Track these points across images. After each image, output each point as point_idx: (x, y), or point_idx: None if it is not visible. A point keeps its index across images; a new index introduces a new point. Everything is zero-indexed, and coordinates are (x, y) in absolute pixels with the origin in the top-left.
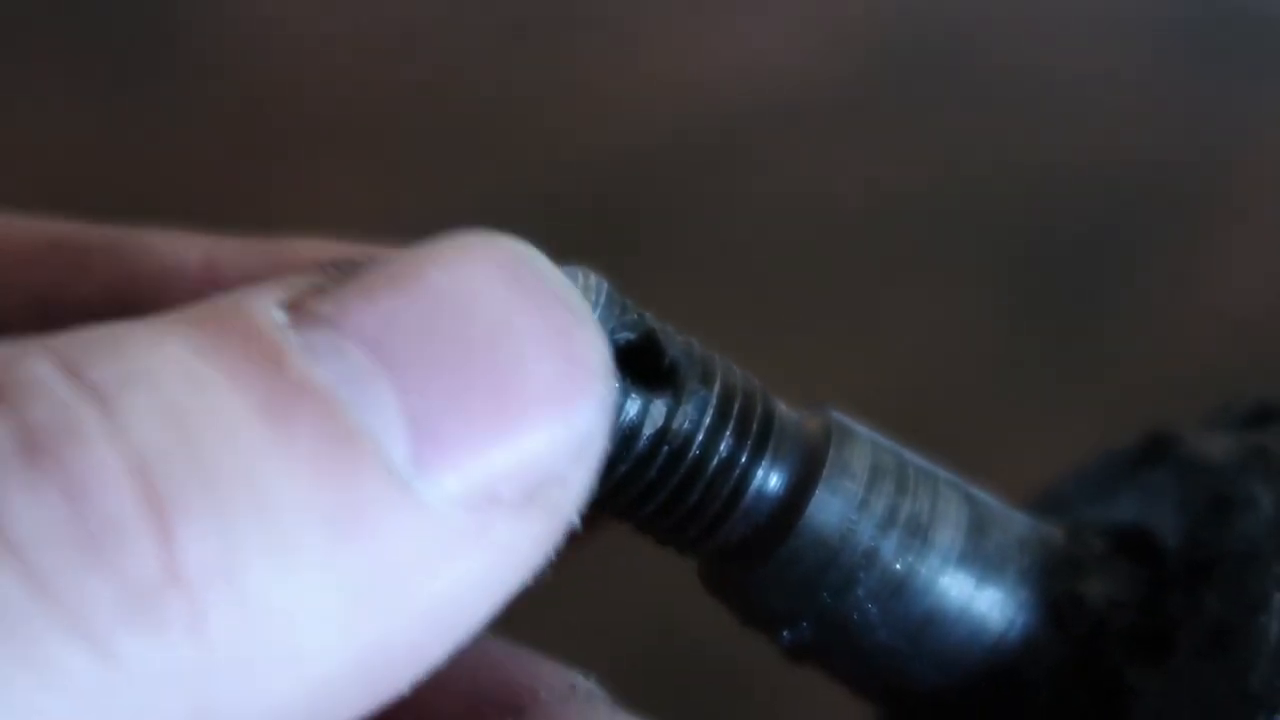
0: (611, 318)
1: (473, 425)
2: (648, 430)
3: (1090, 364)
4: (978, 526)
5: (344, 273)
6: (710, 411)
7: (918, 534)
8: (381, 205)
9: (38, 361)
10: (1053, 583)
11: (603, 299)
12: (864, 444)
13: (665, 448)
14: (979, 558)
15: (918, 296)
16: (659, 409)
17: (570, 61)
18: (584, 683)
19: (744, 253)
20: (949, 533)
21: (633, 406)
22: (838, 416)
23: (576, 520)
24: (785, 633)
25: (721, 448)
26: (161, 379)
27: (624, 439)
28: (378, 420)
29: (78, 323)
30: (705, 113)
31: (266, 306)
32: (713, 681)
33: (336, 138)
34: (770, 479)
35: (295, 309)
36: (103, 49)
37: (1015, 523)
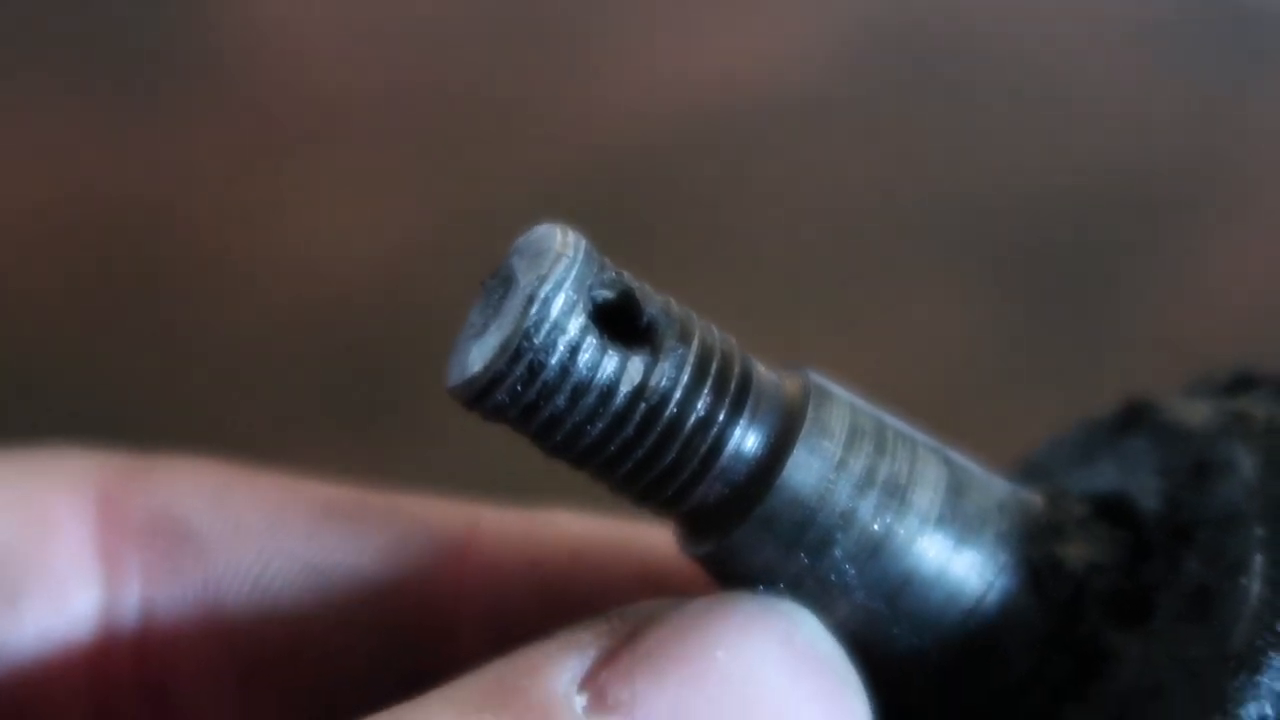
0: (590, 274)
1: None
2: (624, 387)
3: (1090, 363)
4: (956, 489)
5: (629, 631)
6: (688, 369)
7: (896, 495)
8: (382, 206)
9: None
10: (1032, 547)
11: (580, 256)
12: (842, 405)
13: (642, 404)
14: (957, 520)
15: (918, 295)
16: (636, 366)
17: (571, 61)
18: None
19: (743, 252)
20: (927, 494)
21: (610, 363)
22: (816, 377)
23: None
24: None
25: (699, 405)
26: None
27: (601, 396)
28: None
29: (356, 594)
30: (705, 113)
31: (567, 690)
32: None
33: (337, 138)
34: (748, 438)
35: (591, 688)
36: (105, 50)
37: (994, 487)
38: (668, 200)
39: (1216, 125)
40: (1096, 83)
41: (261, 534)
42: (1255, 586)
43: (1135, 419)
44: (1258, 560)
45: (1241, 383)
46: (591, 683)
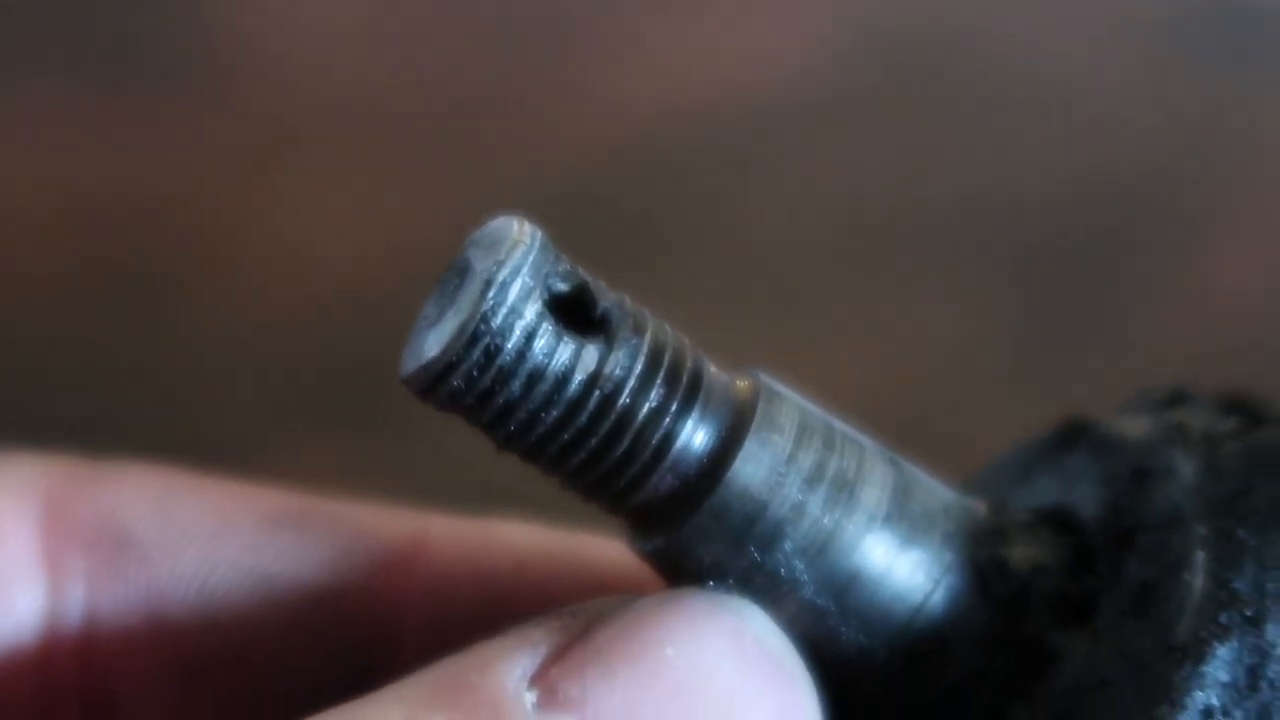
0: (546, 264)
1: None
2: (579, 375)
3: (1089, 363)
4: (903, 489)
5: (581, 627)
6: (641, 359)
7: (845, 489)
8: (382, 206)
9: None
10: (977, 548)
11: (537, 245)
12: (791, 403)
13: (596, 392)
14: (904, 519)
15: (916, 295)
16: (591, 354)
17: (570, 62)
18: None
19: (742, 251)
20: (875, 492)
21: (565, 350)
22: (765, 378)
23: None
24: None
25: (652, 395)
26: None
27: (556, 382)
28: None
29: (299, 603)
30: (705, 113)
31: (517, 686)
32: None
33: (337, 138)
34: (699, 430)
35: (542, 685)
36: (104, 50)
37: (939, 490)
38: (667, 199)
39: (1216, 125)
40: (1096, 83)
41: (206, 541)
42: (1198, 581)
43: (1073, 436)
44: (1199, 556)
45: (1178, 398)
46: (542, 679)
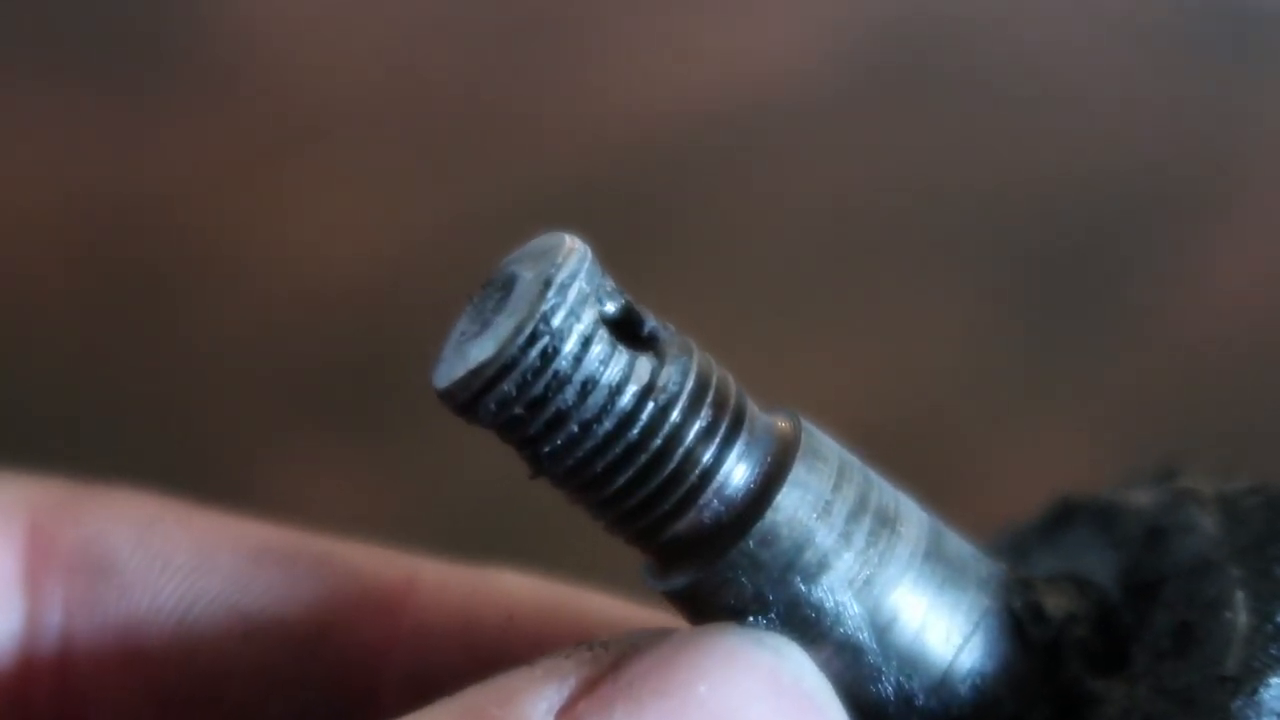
0: (597, 276)
1: None
2: (633, 385)
3: (1090, 365)
4: (937, 531)
5: (612, 660)
6: (692, 377)
7: (887, 524)
8: (382, 206)
9: None
10: (1011, 595)
11: (586, 264)
12: (829, 440)
13: (650, 404)
14: (942, 559)
15: (916, 298)
16: (644, 366)
17: (571, 62)
18: None
19: (744, 252)
20: (914, 530)
21: (620, 360)
22: (802, 418)
23: None
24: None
25: (703, 414)
26: None
27: (610, 392)
28: None
29: (280, 643)
30: (706, 114)
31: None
32: None
33: (337, 138)
34: (746, 456)
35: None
36: (104, 51)
37: (966, 541)
38: (667, 199)
39: (1216, 125)
40: (1097, 83)
41: (188, 574)
42: (1241, 618)
43: (1068, 514)
44: (1239, 596)
45: (1171, 472)
46: (568, 713)
